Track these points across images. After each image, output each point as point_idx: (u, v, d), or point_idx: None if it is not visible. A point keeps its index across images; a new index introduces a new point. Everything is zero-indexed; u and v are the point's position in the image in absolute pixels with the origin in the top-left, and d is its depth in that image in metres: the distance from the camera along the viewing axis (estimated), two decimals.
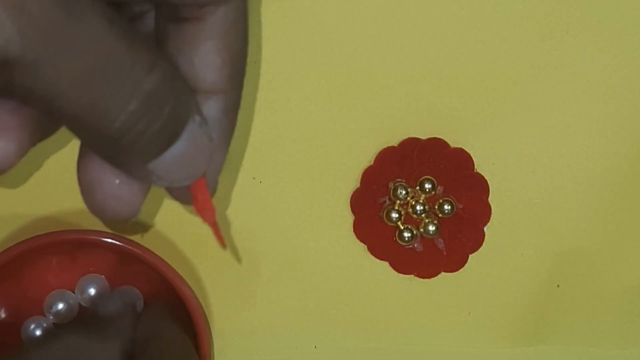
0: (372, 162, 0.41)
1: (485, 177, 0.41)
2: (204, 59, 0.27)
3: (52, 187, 0.40)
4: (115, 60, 0.24)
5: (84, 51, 0.24)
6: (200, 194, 0.29)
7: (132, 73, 0.25)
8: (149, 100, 0.25)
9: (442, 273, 0.41)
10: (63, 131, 0.27)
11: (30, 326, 0.40)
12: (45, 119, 0.26)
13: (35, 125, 0.26)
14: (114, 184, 0.28)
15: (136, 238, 0.40)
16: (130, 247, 0.38)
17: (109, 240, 0.38)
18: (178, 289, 0.37)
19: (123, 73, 0.24)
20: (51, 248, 0.38)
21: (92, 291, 0.40)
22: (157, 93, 0.25)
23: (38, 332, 0.39)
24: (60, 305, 0.40)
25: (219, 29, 0.27)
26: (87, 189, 0.28)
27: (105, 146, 0.26)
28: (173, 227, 0.41)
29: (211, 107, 0.28)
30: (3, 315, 0.39)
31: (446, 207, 0.41)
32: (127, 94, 0.25)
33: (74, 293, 0.40)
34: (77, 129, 0.25)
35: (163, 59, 0.26)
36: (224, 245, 0.31)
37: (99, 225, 0.40)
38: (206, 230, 0.30)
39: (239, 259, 0.41)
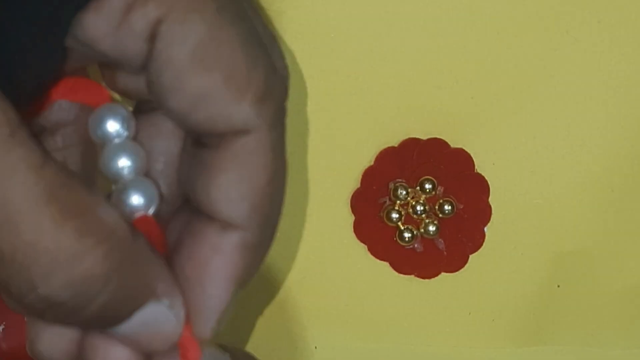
0: (372, 162, 0.41)
1: (486, 177, 0.41)
2: (220, 191, 0.25)
3: None
4: (37, 228, 0.22)
5: None
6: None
7: (57, 249, 0.22)
8: (76, 283, 0.22)
9: (443, 273, 0.41)
10: None
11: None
12: None
13: None
14: None
15: None
16: None
17: None
18: None
19: (42, 244, 0.22)
20: None
21: None
22: (90, 280, 0.22)
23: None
24: None
25: (238, 160, 0.25)
26: None
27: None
28: None
29: (225, 241, 0.25)
30: None
31: (446, 207, 0.41)
32: (47, 269, 0.22)
33: None
34: None
35: (104, 245, 0.23)
36: None
37: None
38: None
39: None
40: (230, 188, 0.25)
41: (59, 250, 0.22)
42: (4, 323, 0.40)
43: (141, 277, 0.24)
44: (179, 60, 0.24)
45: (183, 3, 0.23)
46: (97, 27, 0.23)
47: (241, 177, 0.25)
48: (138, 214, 0.25)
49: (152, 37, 0.23)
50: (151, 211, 0.25)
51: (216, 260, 0.25)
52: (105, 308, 0.23)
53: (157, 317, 0.24)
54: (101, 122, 0.25)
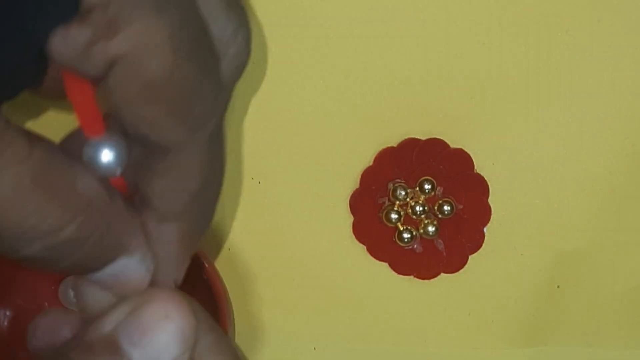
0: (371, 163, 0.41)
1: (485, 178, 0.41)
2: (159, 190, 0.28)
3: None
4: (24, 211, 0.24)
5: None
6: None
7: (41, 225, 0.25)
8: (54, 247, 0.25)
9: (442, 274, 0.41)
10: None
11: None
12: None
13: None
14: None
15: None
16: None
17: None
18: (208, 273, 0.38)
19: (28, 223, 0.25)
20: None
21: None
22: (66, 244, 0.25)
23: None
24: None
25: (175, 168, 0.27)
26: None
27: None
28: None
29: (164, 230, 0.29)
30: (19, 302, 0.39)
31: (446, 207, 0.40)
32: (30, 239, 0.25)
33: None
34: None
35: (82, 216, 0.26)
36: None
37: None
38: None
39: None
40: (167, 190, 0.28)
41: (42, 226, 0.25)
42: (10, 309, 0.39)
43: (114, 237, 0.27)
44: (128, 93, 0.26)
45: (144, 42, 0.25)
46: (62, 50, 0.25)
47: (177, 182, 0.28)
48: (111, 173, 0.27)
49: (109, 68, 0.25)
50: (118, 171, 0.28)
51: (160, 249, 0.29)
52: (79, 263, 0.26)
53: (128, 269, 0.28)
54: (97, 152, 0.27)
